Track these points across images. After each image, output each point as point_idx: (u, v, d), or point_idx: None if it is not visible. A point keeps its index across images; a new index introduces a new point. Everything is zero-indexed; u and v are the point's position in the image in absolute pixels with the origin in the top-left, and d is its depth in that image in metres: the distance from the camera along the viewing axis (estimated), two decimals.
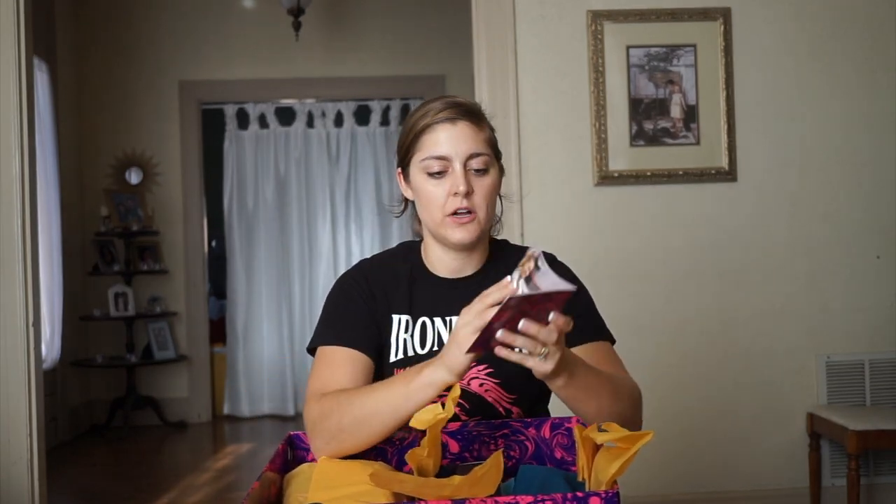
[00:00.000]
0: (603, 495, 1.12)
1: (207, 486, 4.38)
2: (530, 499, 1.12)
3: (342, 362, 1.52)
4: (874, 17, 3.42)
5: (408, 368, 1.42)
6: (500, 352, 1.22)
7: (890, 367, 3.40)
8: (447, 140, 1.51)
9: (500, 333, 1.22)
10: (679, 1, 3.36)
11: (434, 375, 1.30)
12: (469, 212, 1.51)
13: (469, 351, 1.24)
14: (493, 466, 1.23)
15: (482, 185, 1.52)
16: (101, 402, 5.92)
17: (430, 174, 1.52)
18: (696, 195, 3.37)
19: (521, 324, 1.21)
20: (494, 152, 1.56)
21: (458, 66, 5.86)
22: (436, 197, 1.52)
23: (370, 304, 1.57)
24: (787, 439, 3.39)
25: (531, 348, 1.22)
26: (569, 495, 1.12)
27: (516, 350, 1.23)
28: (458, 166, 1.50)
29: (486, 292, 1.23)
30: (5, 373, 3.02)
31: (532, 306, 1.19)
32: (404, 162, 1.58)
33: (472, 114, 1.53)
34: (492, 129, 1.57)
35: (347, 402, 1.39)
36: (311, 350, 1.58)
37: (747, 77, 3.38)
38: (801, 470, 3.38)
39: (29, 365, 3.04)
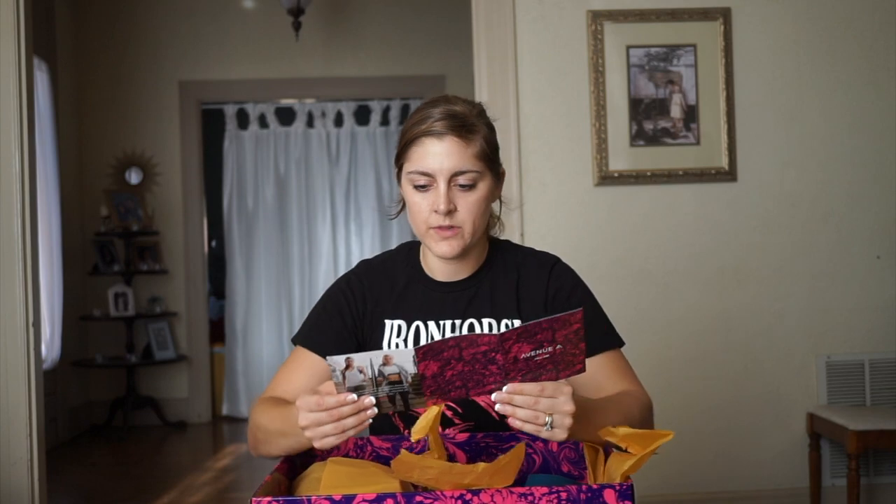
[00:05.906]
0: (617, 487, 1.14)
1: (207, 486, 4.38)
2: (545, 490, 1.13)
3: (302, 366, 1.58)
4: (874, 17, 3.42)
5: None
6: (513, 424, 1.21)
7: (890, 367, 3.40)
8: (432, 156, 1.47)
9: (495, 395, 1.18)
10: (679, 1, 3.36)
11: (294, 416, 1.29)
12: (451, 227, 1.49)
13: (432, 403, 1.22)
14: (515, 457, 1.22)
15: (468, 200, 1.49)
16: (100, 402, 5.92)
17: (416, 186, 1.50)
18: (696, 195, 3.37)
19: (507, 387, 1.17)
20: (487, 162, 1.50)
21: (458, 66, 5.86)
22: (420, 209, 1.50)
23: (356, 314, 1.59)
24: (787, 439, 3.40)
25: (530, 419, 1.19)
26: (583, 487, 1.14)
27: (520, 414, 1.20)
28: (441, 183, 1.47)
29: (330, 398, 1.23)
30: (5, 373, 3.02)
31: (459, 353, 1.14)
32: (398, 165, 1.56)
33: (462, 127, 1.46)
34: (487, 138, 1.50)
35: (262, 414, 1.48)
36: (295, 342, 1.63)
37: (747, 77, 3.38)
38: (801, 470, 3.38)
39: (29, 365, 3.04)
